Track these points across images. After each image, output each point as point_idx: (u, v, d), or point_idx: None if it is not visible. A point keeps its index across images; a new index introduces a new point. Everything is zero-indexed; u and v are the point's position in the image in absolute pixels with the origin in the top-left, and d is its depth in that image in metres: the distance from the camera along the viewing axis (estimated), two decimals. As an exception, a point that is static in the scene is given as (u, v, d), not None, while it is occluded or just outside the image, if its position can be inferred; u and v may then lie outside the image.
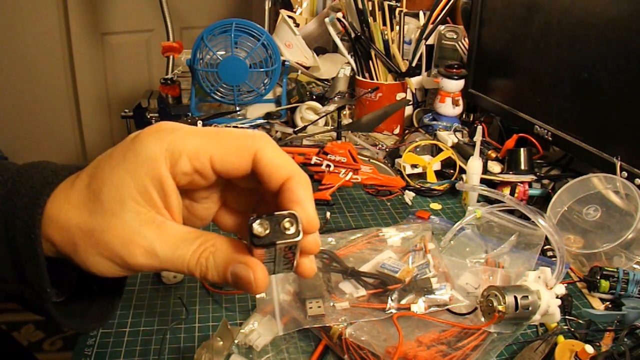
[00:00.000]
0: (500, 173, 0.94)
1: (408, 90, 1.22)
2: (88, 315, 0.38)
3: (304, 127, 1.12)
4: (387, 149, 1.08)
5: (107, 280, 0.34)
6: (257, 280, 0.30)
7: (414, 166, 1.01)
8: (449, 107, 1.16)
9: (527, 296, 0.59)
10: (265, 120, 1.19)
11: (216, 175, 0.32)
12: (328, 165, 0.91)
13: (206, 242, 0.31)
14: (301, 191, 0.31)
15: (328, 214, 0.87)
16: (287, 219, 0.28)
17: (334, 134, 1.05)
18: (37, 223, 0.31)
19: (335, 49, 1.38)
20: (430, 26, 1.21)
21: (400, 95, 1.20)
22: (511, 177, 0.92)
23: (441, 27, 1.28)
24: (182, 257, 0.30)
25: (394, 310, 0.61)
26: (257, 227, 0.28)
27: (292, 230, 0.28)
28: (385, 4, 1.16)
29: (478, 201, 0.91)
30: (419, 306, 0.61)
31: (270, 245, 0.28)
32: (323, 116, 1.16)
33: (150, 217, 0.31)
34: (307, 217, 0.30)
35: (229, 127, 1.16)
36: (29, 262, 0.31)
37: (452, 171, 0.99)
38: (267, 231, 0.28)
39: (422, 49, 1.26)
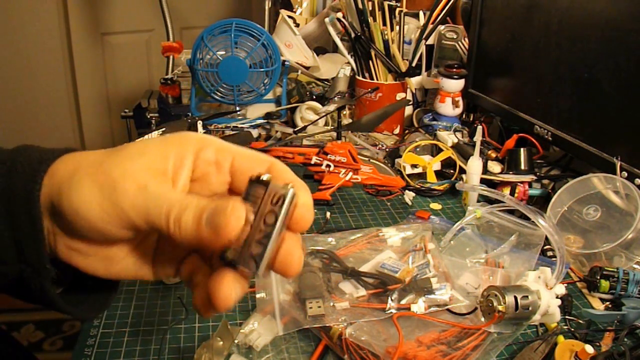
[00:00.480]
0: (500, 173, 0.94)
1: (408, 90, 1.22)
2: (84, 306, 0.38)
3: (304, 127, 1.12)
4: (387, 149, 1.08)
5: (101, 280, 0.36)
6: (231, 220, 0.29)
7: (414, 166, 1.01)
8: (449, 107, 1.16)
9: (527, 296, 0.59)
10: (265, 120, 1.19)
11: (226, 178, 0.34)
12: (328, 165, 0.91)
13: (194, 196, 0.32)
14: (303, 198, 0.32)
15: (328, 214, 0.87)
16: (282, 185, 0.30)
17: (334, 134, 1.05)
18: (35, 199, 0.32)
19: (335, 49, 1.38)
20: (430, 26, 1.21)
21: (400, 95, 1.20)
22: (511, 177, 0.92)
23: (441, 27, 1.28)
24: (169, 200, 0.31)
25: (394, 310, 0.61)
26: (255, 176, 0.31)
27: (285, 189, 0.30)
28: (385, 4, 1.16)
29: (478, 201, 0.91)
30: (419, 306, 0.61)
31: (256, 185, 0.30)
32: (323, 116, 1.16)
33: (155, 172, 0.32)
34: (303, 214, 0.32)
35: (229, 127, 1.16)
36: (29, 238, 0.32)
37: (452, 171, 0.99)
38: (260, 180, 0.30)
39: (422, 49, 1.26)
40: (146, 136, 0.30)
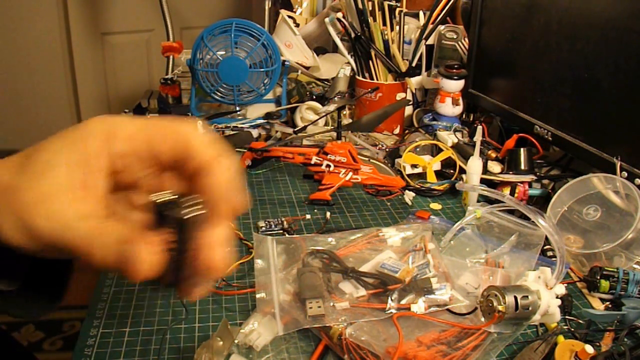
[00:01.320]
0: (500, 173, 0.94)
1: (408, 90, 1.22)
2: (35, 306, 0.39)
3: (304, 127, 1.12)
4: (387, 149, 1.09)
5: (55, 271, 0.37)
6: (141, 262, 0.28)
7: (414, 166, 1.01)
8: (449, 107, 1.16)
9: (527, 296, 0.59)
10: (265, 120, 1.19)
11: (150, 161, 0.33)
12: (328, 165, 0.91)
13: (108, 223, 0.30)
14: (221, 175, 0.31)
15: (328, 214, 0.87)
16: (190, 200, 0.28)
17: (334, 134, 1.05)
18: None
19: (335, 49, 1.38)
20: (430, 26, 1.21)
21: (400, 95, 1.20)
22: (511, 177, 0.92)
23: (441, 27, 1.28)
24: (75, 229, 0.30)
25: (394, 310, 0.61)
26: (154, 197, 0.29)
27: (191, 208, 0.28)
28: (385, 4, 1.16)
29: (478, 201, 0.91)
30: (419, 306, 0.61)
31: (160, 209, 0.28)
32: (323, 116, 1.16)
33: (63, 192, 0.30)
34: (218, 199, 0.31)
35: (229, 127, 1.16)
36: None
37: (452, 171, 0.99)
38: (166, 204, 0.28)
39: (422, 49, 1.26)
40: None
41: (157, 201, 0.28)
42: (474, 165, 0.90)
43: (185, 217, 0.28)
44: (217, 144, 0.32)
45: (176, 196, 0.29)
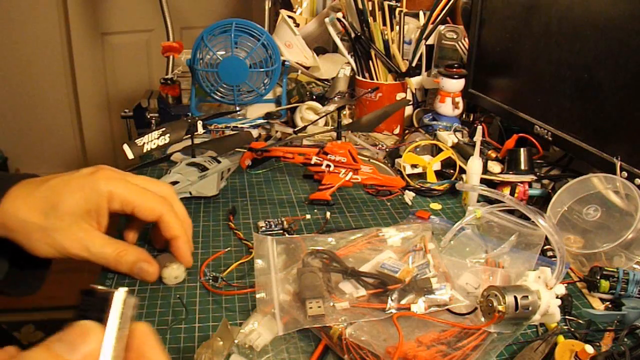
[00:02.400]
0: (500, 173, 0.94)
1: (408, 90, 1.22)
2: (19, 287, 0.56)
3: (304, 127, 1.12)
4: (387, 149, 1.09)
5: (37, 264, 0.55)
6: (154, 273, 0.57)
7: (414, 166, 1.01)
8: (449, 107, 1.16)
9: (527, 296, 0.59)
10: (265, 120, 1.19)
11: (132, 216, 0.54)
12: (328, 165, 0.91)
13: (121, 246, 0.53)
14: (183, 245, 0.57)
15: (328, 214, 0.87)
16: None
17: (334, 134, 1.05)
18: None
19: (335, 49, 1.38)
20: (430, 26, 1.21)
21: (400, 95, 1.20)
22: (511, 177, 0.92)
23: (441, 27, 1.28)
24: (106, 253, 0.51)
25: (394, 310, 0.61)
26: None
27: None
28: (385, 4, 1.16)
29: (478, 201, 0.91)
30: (419, 306, 0.61)
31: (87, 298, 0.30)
32: (323, 116, 1.16)
33: (89, 228, 0.50)
34: (182, 257, 0.59)
35: (229, 127, 1.16)
36: None
37: (452, 171, 0.99)
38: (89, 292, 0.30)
39: (422, 49, 1.26)
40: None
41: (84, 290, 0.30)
42: (474, 165, 0.90)
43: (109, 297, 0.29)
44: (182, 220, 0.57)
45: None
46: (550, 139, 0.93)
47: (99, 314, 0.28)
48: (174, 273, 0.66)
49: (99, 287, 0.30)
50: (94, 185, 0.49)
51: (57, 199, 0.47)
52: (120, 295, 0.29)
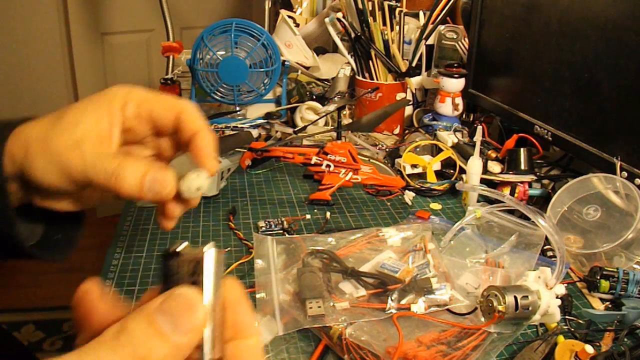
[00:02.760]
0: (500, 173, 0.94)
1: (408, 90, 1.22)
2: (52, 252, 0.46)
3: (304, 127, 1.12)
4: (387, 149, 1.08)
5: (67, 225, 0.45)
6: (170, 183, 0.38)
7: (414, 166, 1.01)
8: (449, 107, 1.16)
9: (527, 296, 0.59)
10: (265, 120, 1.19)
11: (149, 126, 0.42)
12: (328, 165, 0.91)
13: (125, 157, 0.39)
14: (203, 141, 0.40)
15: (328, 214, 0.87)
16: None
17: (334, 134, 1.05)
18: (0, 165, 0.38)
19: (335, 49, 1.38)
20: (430, 26, 1.21)
21: (400, 95, 1.20)
22: (511, 177, 0.92)
23: (441, 27, 1.28)
24: (102, 163, 0.38)
25: (394, 310, 0.61)
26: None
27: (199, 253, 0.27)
28: (385, 4, 1.16)
29: (478, 201, 0.91)
30: (419, 306, 0.61)
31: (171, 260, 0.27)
32: (323, 116, 1.16)
33: (92, 136, 0.39)
34: (203, 158, 0.40)
35: (229, 127, 1.16)
36: None
37: (452, 171, 0.99)
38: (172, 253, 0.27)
39: (422, 49, 1.26)
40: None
41: (166, 251, 0.27)
42: (474, 165, 0.90)
43: (202, 254, 0.26)
44: (203, 119, 0.42)
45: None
46: (550, 139, 0.93)
47: (192, 277, 0.26)
48: (195, 183, 0.45)
49: (183, 246, 0.27)
50: (107, 92, 0.41)
51: (65, 111, 0.40)
52: (211, 255, 0.26)
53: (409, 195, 0.93)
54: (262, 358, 0.28)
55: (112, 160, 0.38)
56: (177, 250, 0.26)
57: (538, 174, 0.94)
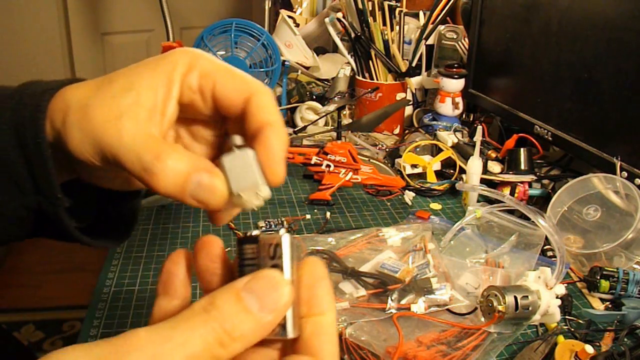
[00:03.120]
0: (500, 173, 0.94)
1: (408, 90, 1.22)
2: (105, 239, 0.40)
3: (304, 127, 1.13)
4: (387, 149, 1.09)
5: (123, 209, 0.39)
6: (220, 191, 0.30)
7: (414, 166, 1.01)
8: (449, 107, 1.16)
9: (527, 296, 0.59)
10: (265, 120, 1.19)
11: (212, 104, 0.33)
12: (328, 165, 0.91)
13: (169, 147, 0.30)
14: (274, 138, 0.31)
15: (328, 214, 0.87)
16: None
17: (334, 134, 1.05)
18: (40, 127, 0.32)
19: (335, 49, 1.38)
20: (430, 26, 1.21)
21: (400, 95, 1.20)
22: (511, 177, 0.92)
23: (441, 27, 1.28)
24: (139, 149, 0.30)
25: (394, 310, 0.61)
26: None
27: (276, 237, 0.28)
28: (385, 4, 1.16)
29: (478, 201, 0.91)
30: (419, 306, 0.61)
31: (247, 245, 0.28)
32: (323, 116, 1.16)
33: (138, 111, 0.31)
34: (271, 162, 0.30)
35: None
36: (39, 167, 0.33)
37: (452, 171, 0.99)
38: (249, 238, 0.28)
39: (422, 49, 1.26)
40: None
41: (242, 236, 0.28)
42: (474, 165, 0.90)
43: (280, 238, 0.27)
44: (277, 109, 0.32)
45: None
46: (550, 139, 0.93)
47: (272, 260, 0.27)
48: (252, 197, 0.31)
49: (259, 232, 0.28)
50: (168, 55, 0.33)
51: (116, 75, 0.33)
52: (287, 240, 0.27)
53: (409, 195, 0.93)
54: (336, 334, 0.28)
55: (153, 146, 0.30)
56: (250, 235, 0.28)
57: (538, 174, 0.94)
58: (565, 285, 0.66)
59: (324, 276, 0.28)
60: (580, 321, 0.64)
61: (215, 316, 0.24)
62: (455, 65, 1.15)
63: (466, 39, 1.25)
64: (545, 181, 0.95)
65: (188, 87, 0.32)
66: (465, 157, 0.96)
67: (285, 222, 0.83)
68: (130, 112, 0.30)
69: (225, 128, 0.35)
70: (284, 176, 0.31)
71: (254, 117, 0.31)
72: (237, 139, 0.31)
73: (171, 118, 0.32)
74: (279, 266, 0.27)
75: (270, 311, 0.25)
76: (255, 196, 0.30)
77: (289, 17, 1.41)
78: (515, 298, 0.58)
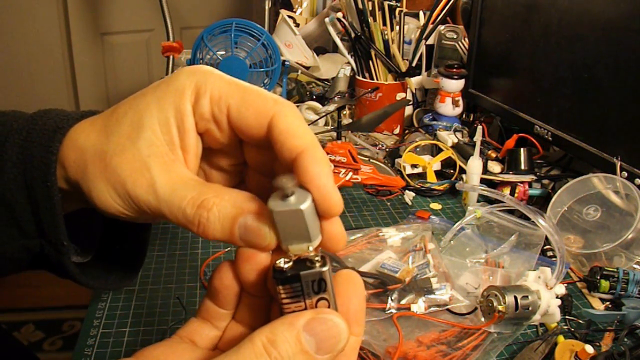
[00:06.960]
0: (500, 173, 0.94)
1: (408, 90, 1.22)
2: (110, 276, 0.38)
3: (304, 127, 1.12)
4: (387, 149, 1.08)
5: (130, 239, 0.36)
6: (269, 234, 0.27)
7: (414, 166, 1.01)
8: (449, 107, 1.16)
9: (527, 296, 0.59)
10: (265, 120, 1.19)
11: (230, 131, 0.30)
12: (328, 165, 0.91)
13: (209, 190, 0.28)
14: (316, 167, 0.26)
15: (328, 214, 0.87)
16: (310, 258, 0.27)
17: (334, 134, 1.05)
18: (51, 170, 0.30)
19: (335, 49, 1.38)
20: (430, 26, 1.21)
21: (400, 95, 1.20)
22: (511, 177, 0.92)
23: (441, 27, 1.28)
24: (180, 200, 0.28)
25: (394, 310, 0.61)
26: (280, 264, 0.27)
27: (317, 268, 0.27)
28: (385, 4, 1.16)
29: (478, 201, 0.91)
30: (419, 306, 0.61)
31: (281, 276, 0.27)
32: (323, 116, 1.16)
33: (162, 151, 0.29)
34: (323, 197, 0.26)
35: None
36: (46, 212, 0.31)
37: (452, 171, 0.99)
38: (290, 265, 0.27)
39: (422, 49, 1.26)
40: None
41: (277, 267, 0.27)
42: (474, 165, 0.90)
43: (321, 270, 0.26)
44: (307, 129, 0.28)
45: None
46: (550, 139, 0.93)
47: (317, 294, 0.26)
48: (302, 244, 0.28)
49: (288, 264, 0.26)
50: (173, 79, 0.29)
51: (123, 110, 0.30)
52: (329, 273, 0.26)
53: (409, 195, 0.93)
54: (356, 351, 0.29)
55: (192, 194, 0.27)
56: (289, 272, 0.26)
57: (538, 174, 0.94)
58: (565, 285, 0.66)
59: (356, 291, 0.28)
60: (580, 321, 0.64)
61: (276, 355, 0.25)
62: (455, 65, 1.15)
63: (466, 39, 1.25)
64: (545, 181, 0.95)
65: (200, 116, 0.29)
66: (465, 157, 0.96)
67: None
68: (154, 156, 0.28)
69: (244, 155, 0.32)
70: (342, 203, 0.27)
71: (284, 146, 0.27)
72: (287, 184, 0.25)
73: (196, 151, 0.30)
74: (326, 300, 0.27)
75: (326, 353, 0.26)
76: (306, 248, 0.27)
77: (289, 17, 1.41)
78: (515, 298, 0.58)
